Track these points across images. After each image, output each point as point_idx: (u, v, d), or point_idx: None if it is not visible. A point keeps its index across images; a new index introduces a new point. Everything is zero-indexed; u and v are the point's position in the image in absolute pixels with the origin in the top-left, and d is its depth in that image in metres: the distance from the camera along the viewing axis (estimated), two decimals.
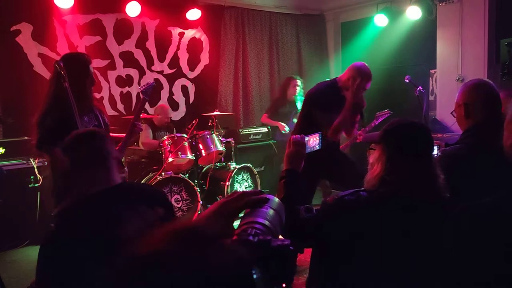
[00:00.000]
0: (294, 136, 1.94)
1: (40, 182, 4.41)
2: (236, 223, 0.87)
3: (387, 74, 6.56)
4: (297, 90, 5.62)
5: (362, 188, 1.71)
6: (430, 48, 6.03)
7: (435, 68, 6.09)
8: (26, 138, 4.45)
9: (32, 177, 4.40)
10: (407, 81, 4.57)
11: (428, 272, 1.61)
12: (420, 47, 6.29)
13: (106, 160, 1.69)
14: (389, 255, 1.59)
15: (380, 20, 6.24)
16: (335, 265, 1.69)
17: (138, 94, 5.83)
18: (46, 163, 4.23)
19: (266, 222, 0.80)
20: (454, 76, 5.71)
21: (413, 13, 5.89)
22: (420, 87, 4.49)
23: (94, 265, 0.77)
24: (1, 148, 4.40)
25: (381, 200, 1.62)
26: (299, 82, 5.70)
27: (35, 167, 4.41)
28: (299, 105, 5.84)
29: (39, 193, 4.41)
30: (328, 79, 4.19)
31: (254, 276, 0.57)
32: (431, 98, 6.20)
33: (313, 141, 2.09)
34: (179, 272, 0.52)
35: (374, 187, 1.66)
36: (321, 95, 3.54)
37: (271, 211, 0.86)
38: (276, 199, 0.91)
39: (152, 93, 3.42)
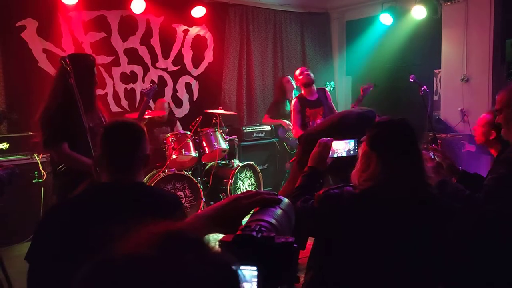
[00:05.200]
0: (325, 138, 2.05)
1: (44, 178, 4.43)
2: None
3: (391, 73, 6.56)
4: (293, 84, 5.71)
5: (350, 183, 1.74)
6: (435, 48, 6.01)
7: (440, 68, 6.07)
8: (31, 133, 4.47)
9: (36, 172, 4.42)
10: (412, 80, 4.55)
11: (414, 268, 1.62)
12: (425, 46, 6.27)
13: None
14: (373, 250, 1.61)
15: (385, 19, 6.22)
16: (322, 257, 1.76)
17: (141, 91, 5.84)
18: (49, 159, 4.25)
19: (273, 221, 0.80)
20: (459, 76, 5.69)
21: (418, 13, 5.86)
22: (425, 87, 4.47)
23: (72, 257, 0.77)
24: (6, 143, 4.42)
25: (364, 195, 1.65)
26: (289, 77, 5.82)
27: (39, 162, 4.42)
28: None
29: (43, 188, 4.42)
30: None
31: (239, 280, 0.57)
32: (435, 98, 6.18)
33: (340, 146, 2.10)
34: (153, 276, 0.51)
35: (359, 183, 1.70)
36: None
37: (279, 211, 0.85)
38: (286, 200, 0.91)
39: (153, 95, 3.47)
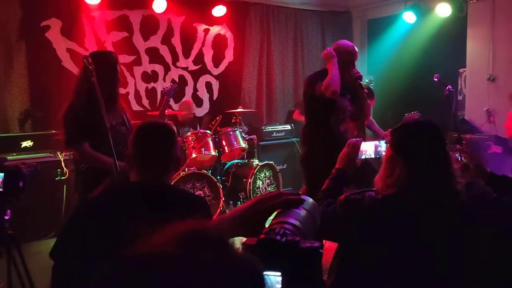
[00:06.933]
0: (354, 139, 2.00)
1: (67, 175, 4.49)
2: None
3: (415, 73, 6.43)
4: None
5: (372, 188, 1.69)
6: (460, 47, 5.87)
7: (465, 67, 5.92)
8: (54, 131, 4.54)
9: (59, 170, 4.49)
10: (436, 80, 4.44)
11: (437, 275, 1.56)
12: (450, 45, 6.13)
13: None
14: (394, 257, 1.56)
15: (409, 17, 6.11)
16: (343, 262, 1.72)
17: (162, 90, 5.88)
18: (72, 156, 4.31)
19: (297, 223, 0.78)
20: (485, 76, 5.55)
21: (443, 10, 5.74)
22: (449, 86, 4.36)
23: (95, 254, 0.76)
24: (30, 141, 4.50)
25: (386, 201, 1.60)
26: None
27: (62, 160, 4.49)
28: None
29: (65, 185, 4.49)
30: None
31: (264, 283, 0.55)
32: (459, 97, 6.04)
33: (369, 147, 2.05)
34: (176, 275, 0.50)
35: (381, 188, 1.64)
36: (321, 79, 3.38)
37: (303, 212, 0.83)
38: (311, 200, 0.88)
39: (174, 94, 3.47)
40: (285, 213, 0.80)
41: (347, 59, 3.24)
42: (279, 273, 0.63)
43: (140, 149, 1.63)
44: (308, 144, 3.49)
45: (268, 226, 0.75)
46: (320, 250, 0.65)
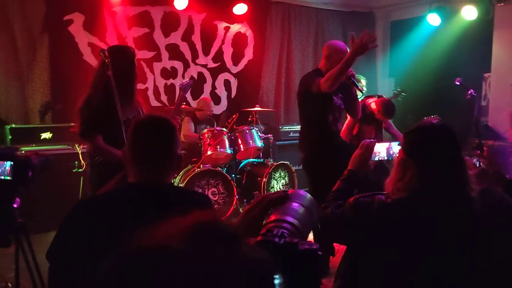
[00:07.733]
0: (367, 140, 1.96)
1: (84, 168, 4.55)
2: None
3: (437, 76, 6.30)
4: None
5: (382, 192, 1.65)
6: (485, 51, 5.72)
7: (490, 72, 5.77)
8: (73, 124, 4.60)
9: (76, 162, 4.55)
10: (458, 83, 4.34)
11: (446, 281, 1.51)
12: (474, 49, 5.97)
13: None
14: (402, 262, 1.52)
15: (433, 19, 5.98)
16: (350, 266, 1.69)
17: (179, 85, 5.91)
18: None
19: (295, 221, 0.75)
20: (510, 81, 5.40)
21: (469, 13, 5.61)
22: (472, 91, 4.25)
23: (95, 258, 0.74)
24: (49, 133, 4.57)
25: (396, 205, 1.55)
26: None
27: (79, 152, 4.55)
28: None
29: (82, 178, 4.54)
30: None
31: (276, 283, 0.52)
32: (483, 103, 5.89)
33: (382, 149, 2.02)
34: (184, 269, 0.48)
35: (392, 191, 1.60)
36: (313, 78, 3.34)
37: (301, 209, 0.81)
38: (308, 196, 0.87)
39: (190, 90, 3.44)
40: (283, 210, 0.78)
41: (339, 58, 3.22)
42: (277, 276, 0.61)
43: (138, 148, 1.48)
44: (307, 147, 3.47)
45: (265, 224, 0.73)
46: (319, 252, 0.62)
